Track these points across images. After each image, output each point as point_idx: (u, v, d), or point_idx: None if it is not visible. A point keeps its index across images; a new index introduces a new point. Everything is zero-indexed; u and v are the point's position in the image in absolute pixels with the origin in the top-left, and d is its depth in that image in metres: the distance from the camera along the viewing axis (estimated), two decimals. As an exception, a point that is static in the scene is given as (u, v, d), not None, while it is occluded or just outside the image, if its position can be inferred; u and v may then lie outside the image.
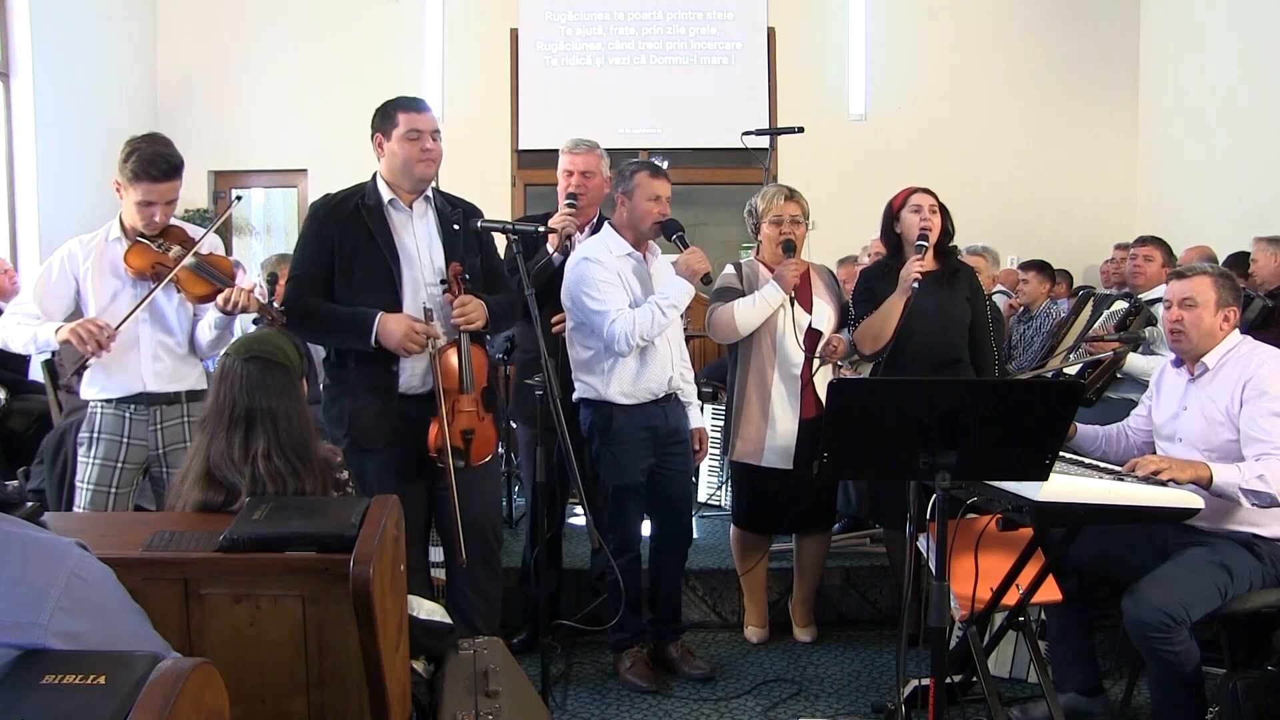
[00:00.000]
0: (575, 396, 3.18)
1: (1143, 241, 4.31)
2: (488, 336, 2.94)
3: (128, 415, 2.80)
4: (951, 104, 7.41)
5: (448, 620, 2.17)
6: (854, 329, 3.35)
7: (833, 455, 2.08)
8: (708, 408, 4.36)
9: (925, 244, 3.23)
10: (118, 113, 6.67)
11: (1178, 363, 2.77)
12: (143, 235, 2.77)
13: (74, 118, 6.25)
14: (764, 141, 5.03)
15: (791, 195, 3.36)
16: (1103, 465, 2.61)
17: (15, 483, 3.76)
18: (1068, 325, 4.54)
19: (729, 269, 3.43)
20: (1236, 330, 2.69)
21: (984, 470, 2.21)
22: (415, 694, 1.93)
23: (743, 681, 3.23)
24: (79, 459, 2.83)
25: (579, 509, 3.86)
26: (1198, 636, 2.46)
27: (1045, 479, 2.13)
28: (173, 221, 2.84)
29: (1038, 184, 7.40)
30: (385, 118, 2.76)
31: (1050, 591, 2.64)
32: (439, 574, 3.14)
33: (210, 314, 2.80)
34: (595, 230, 3.30)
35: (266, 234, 7.69)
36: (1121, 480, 2.42)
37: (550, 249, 3.29)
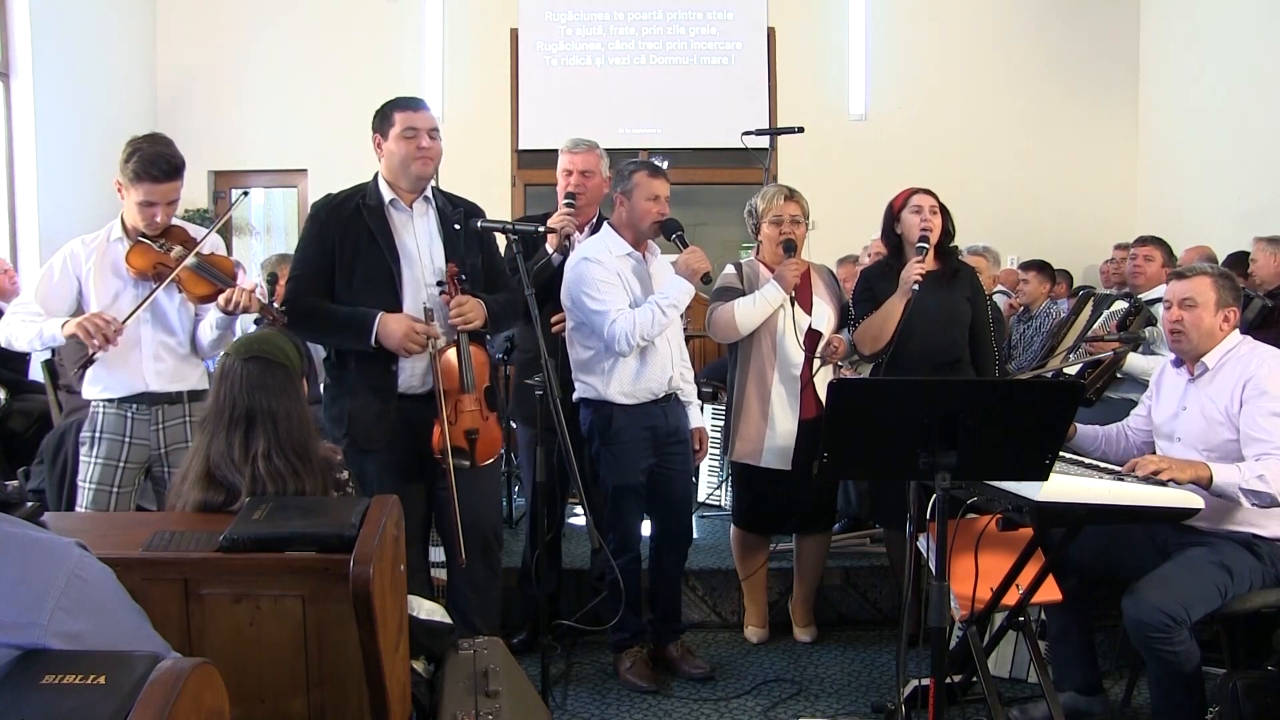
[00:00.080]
0: (575, 396, 3.18)
1: (1143, 241, 4.31)
2: (488, 336, 2.94)
3: (130, 415, 2.81)
4: (951, 104, 7.41)
5: (448, 620, 2.17)
6: (854, 329, 3.35)
7: (833, 455, 2.08)
8: (708, 408, 4.36)
9: (926, 245, 3.23)
10: (118, 113, 6.67)
11: (1178, 362, 2.77)
12: (144, 235, 2.77)
13: (74, 118, 6.25)
14: (764, 141, 5.03)
15: (791, 195, 3.36)
16: (1103, 465, 2.61)
17: (15, 483, 3.76)
18: (1068, 325, 4.54)
19: (729, 269, 3.43)
20: (1237, 330, 2.69)
21: (984, 470, 2.22)
22: (415, 694, 1.93)
23: (743, 681, 3.23)
24: (81, 458, 2.84)
25: (579, 509, 3.86)
26: (1198, 636, 2.46)
27: (1045, 479, 2.13)
28: (174, 221, 2.84)
29: (1038, 184, 7.40)
30: (383, 118, 2.77)
31: (1050, 591, 2.64)
32: (439, 574, 3.13)
33: (212, 314, 2.81)
34: (595, 230, 3.30)
35: (266, 234, 7.69)
36: (1121, 480, 2.42)
37: (549, 249, 3.29)
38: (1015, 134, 7.41)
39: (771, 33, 7.44)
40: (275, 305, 2.81)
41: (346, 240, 2.72)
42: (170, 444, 2.82)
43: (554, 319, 3.21)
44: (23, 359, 4.60)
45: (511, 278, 2.90)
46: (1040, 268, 5.61)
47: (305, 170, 7.34)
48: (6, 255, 5.72)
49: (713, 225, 7.85)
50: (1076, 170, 7.43)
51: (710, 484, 4.60)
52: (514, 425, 3.63)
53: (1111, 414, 3.35)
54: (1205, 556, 2.49)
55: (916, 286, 3.17)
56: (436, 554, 3.03)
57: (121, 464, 2.80)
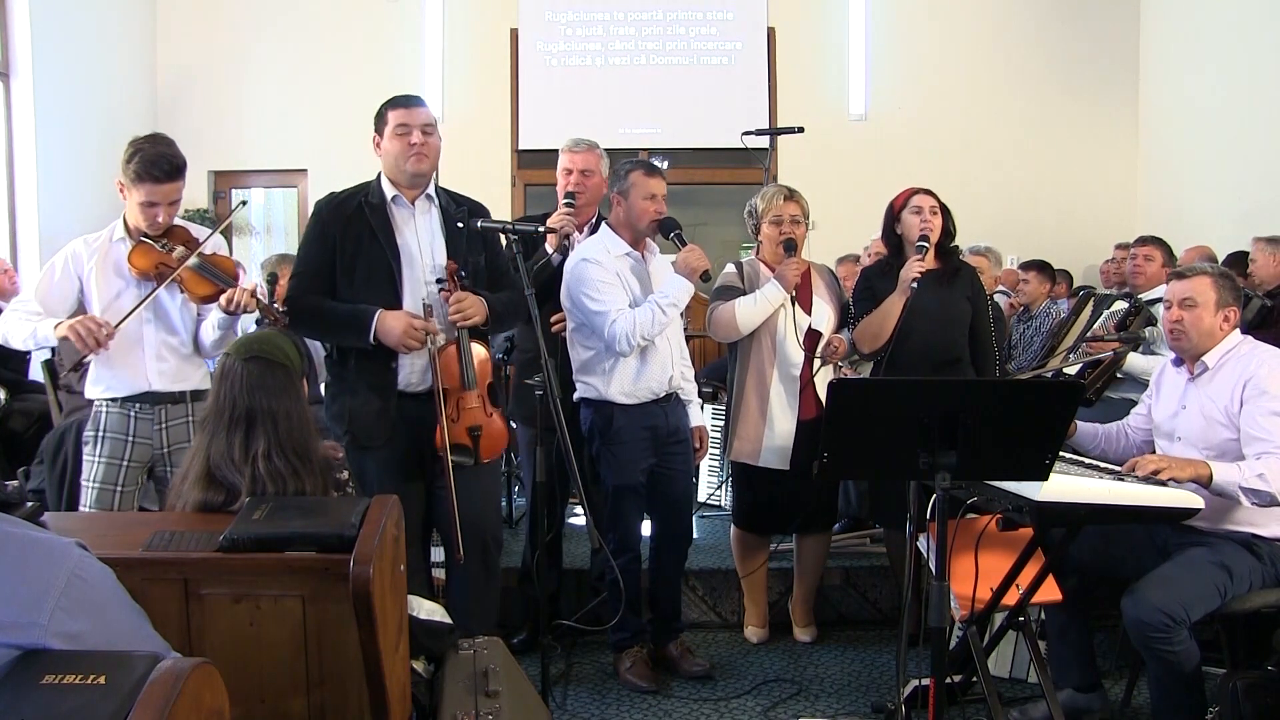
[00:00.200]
0: (576, 396, 3.18)
1: (1143, 241, 4.31)
2: (489, 336, 2.94)
3: (132, 414, 2.81)
4: (951, 104, 7.41)
5: (448, 620, 2.17)
6: (854, 327, 3.36)
7: (833, 455, 2.08)
8: (708, 407, 4.36)
9: (926, 245, 3.23)
10: (118, 113, 6.67)
11: (1178, 361, 2.77)
12: (146, 235, 2.77)
13: (74, 118, 6.25)
14: (764, 141, 5.03)
15: (791, 195, 3.36)
16: (1102, 465, 2.61)
17: (15, 483, 3.76)
18: (1068, 325, 4.54)
19: (730, 268, 3.44)
20: (1237, 330, 2.69)
21: (984, 470, 2.22)
22: (415, 694, 1.93)
23: (743, 681, 3.23)
24: (84, 458, 2.84)
25: (579, 509, 3.86)
26: (1198, 636, 2.46)
27: (1045, 479, 2.13)
28: (177, 222, 2.85)
29: (1038, 184, 7.40)
30: (379, 117, 2.79)
31: (1050, 591, 2.64)
32: (439, 574, 3.14)
33: (214, 314, 2.81)
34: (594, 230, 3.30)
35: (266, 234, 7.69)
36: (1121, 480, 2.42)
37: (549, 249, 3.29)
38: (1015, 134, 7.41)
39: (771, 33, 7.44)
40: (276, 305, 2.81)
41: (348, 238, 2.72)
42: (173, 444, 2.82)
43: (554, 319, 3.21)
44: (23, 359, 4.60)
45: (516, 277, 2.90)
46: (1040, 268, 5.61)
47: (305, 170, 7.35)
48: (6, 255, 5.72)
49: (713, 225, 7.85)
50: (1076, 170, 7.43)
51: (710, 484, 4.60)
52: (514, 425, 3.63)
53: (1111, 414, 3.35)
54: (1205, 556, 2.49)
55: (915, 284, 3.17)
56: (436, 554, 3.03)
57: (125, 463, 2.80)
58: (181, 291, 2.79)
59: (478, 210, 2.87)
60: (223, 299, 2.72)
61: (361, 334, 2.66)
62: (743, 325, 3.27)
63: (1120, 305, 4.15)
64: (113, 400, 2.81)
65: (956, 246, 3.47)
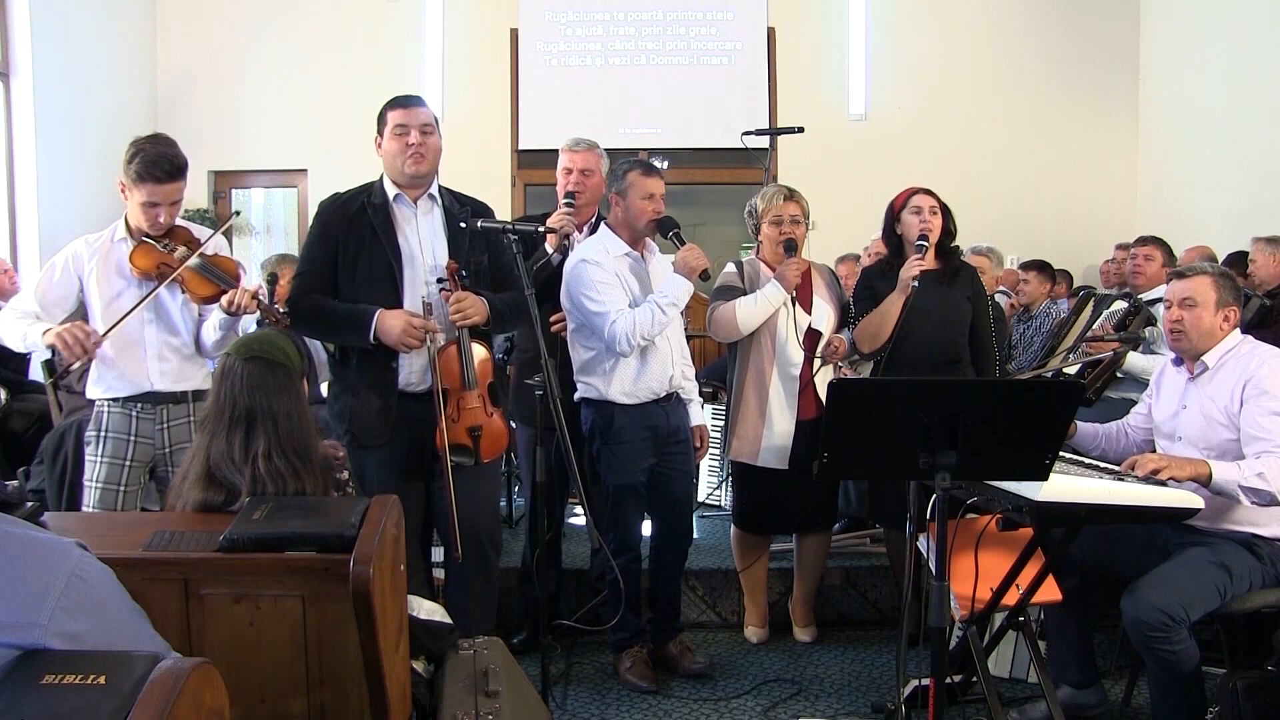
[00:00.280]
0: (577, 397, 3.18)
1: (1143, 241, 4.31)
2: (490, 336, 2.94)
3: (134, 414, 2.82)
4: (951, 104, 7.41)
5: (448, 620, 2.17)
6: (854, 327, 3.36)
7: (833, 455, 2.08)
8: (708, 407, 4.36)
9: (925, 244, 3.23)
10: (118, 113, 6.67)
11: (1178, 361, 2.77)
12: (148, 235, 2.77)
13: (74, 118, 6.25)
14: (764, 141, 5.03)
15: (791, 195, 3.36)
16: (1102, 465, 2.62)
17: (15, 483, 3.76)
18: (1068, 325, 4.54)
19: (730, 267, 3.44)
20: (1237, 330, 2.70)
21: (984, 470, 2.22)
22: (415, 694, 1.93)
23: (742, 681, 3.23)
24: (86, 458, 2.84)
25: (579, 509, 3.86)
26: (1198, 636, 2.46)
27: (1045, 479, 2.14)
28: (178, 222, 2.85)
29: (1038, 184, 7.40)
30: (379, 118, 2.80)
31: (1050, 591, 2.64)
32: (439, 574, 3.14)
33: (215, 315, 2.82)
34: (594, 230, 3.30)
35: (266, 234, 7.68)
36: (1121, 480, 2.42)
37: (549, 249, 3.29)
38: (1015, 134, 7.41)
39: (771, 33, 7.44)
40: (276, 306, 2.81)
41: (350, 237, 2.73)
42: (175, 444, 2.82)
43: (554, 319, 3.22)
44: (23, 359, 4.60)
45: (519, 278, 2.90)
46: (1040, 268, 5.61)
47: (305, 170, 7.35)
48: (6, 255, 5.72)
49: (713, 225, 7.86)
50: (1076, 170, 7.43)
51: (710, 484, 4.60)
52: (514, 425, 3.63)
53: (1111, 414, 3.35)
54: (1205, 556, 2.49)
55: (915, 284, 3.17)
56: (436, 554, 3.03)
57: (127, 463, 2.80)
58: (183, 292, 2.80)
59: (481, 211, 2.87)
60: (224, 300, 2.73)
61: (361, 333, 2.66)
62: (743, 325, 3.27)
63: (1120, 305, 4.16)
64: (114, 400, 2.82)
65: (957, 247, 3.47)
